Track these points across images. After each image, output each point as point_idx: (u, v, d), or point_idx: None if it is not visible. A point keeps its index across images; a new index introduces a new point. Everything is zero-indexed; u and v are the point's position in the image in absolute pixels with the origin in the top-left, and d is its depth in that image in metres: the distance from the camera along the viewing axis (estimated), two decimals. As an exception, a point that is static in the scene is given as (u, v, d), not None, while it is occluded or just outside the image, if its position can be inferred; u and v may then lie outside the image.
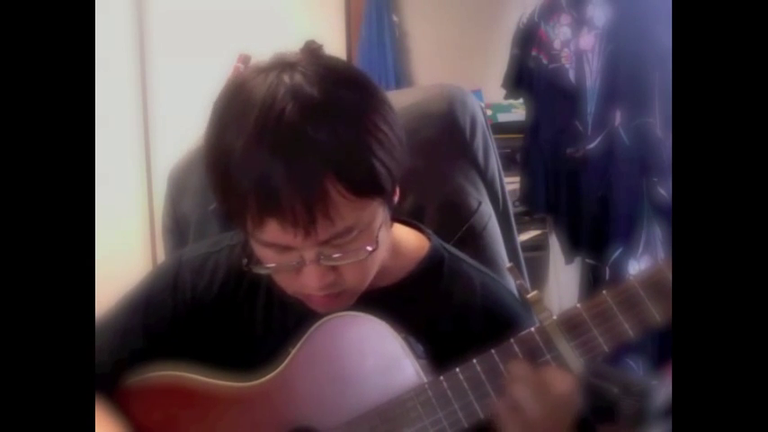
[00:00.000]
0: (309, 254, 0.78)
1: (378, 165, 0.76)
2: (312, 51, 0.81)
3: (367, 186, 0.76)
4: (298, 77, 0.75)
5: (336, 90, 0.76)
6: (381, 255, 0.85)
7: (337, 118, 0.74)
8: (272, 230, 0.76)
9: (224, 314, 0.94)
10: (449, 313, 0.91)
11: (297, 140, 0.73)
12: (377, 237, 0.81)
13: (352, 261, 0.80)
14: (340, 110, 0.75)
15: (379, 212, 0.81)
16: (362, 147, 0.75)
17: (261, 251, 0.81)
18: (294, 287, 0.83)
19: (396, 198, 0.85)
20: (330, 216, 0.74)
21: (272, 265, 0.81)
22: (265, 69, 0.77)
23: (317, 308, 0.85)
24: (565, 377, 0.75)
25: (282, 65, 0.77)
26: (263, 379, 0.86)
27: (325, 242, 0.77)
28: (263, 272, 0.83)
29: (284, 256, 0.80)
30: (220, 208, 0.81)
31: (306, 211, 0.74)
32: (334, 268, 0.80)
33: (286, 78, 0.75)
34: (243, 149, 0.74)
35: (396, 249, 0.92)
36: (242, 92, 0.77)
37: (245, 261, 0.84)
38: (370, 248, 0.80)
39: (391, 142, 0.78)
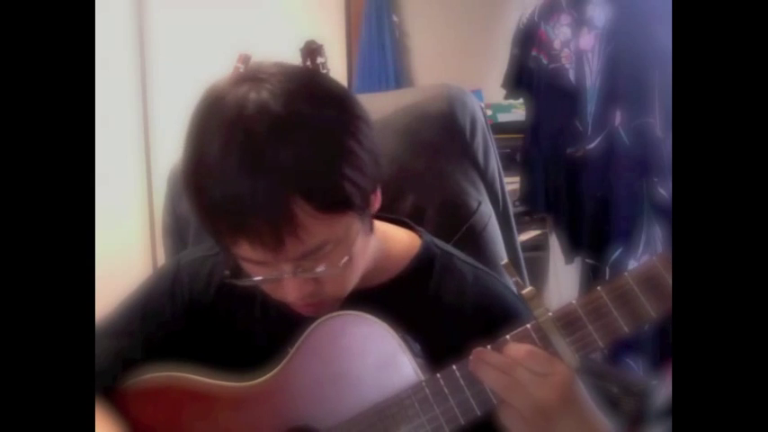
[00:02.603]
0: (286, 268, 0.78)
1: (346, 183, 0.75)
2: (283, 65, 0.80)
3: (335, 204, 0.76)
4: (264, 94, 0.74)
5: (304, 108, 0.75)
6: (362, 263, 0.85)
7: (303, 137, 0.74)
8: (244, 248, 0.76)
9: (221, 316, 0.94)
10: (442, 309, 0.91)
11: (262, 159, 0.72)
12: (351, 248, 0.81)
13: (330, 273, 0.80)
14: (306, 129, 0.74)
15: (355, 223, 0.81)
16: (329, 166, 0.75)
17: (243, 264, 0.82)
18: (277, 295, 0.84)
19: (375, 206, 0.85)
20: (298, 236, 0.74)
21: (254, 278, 0.82)
22: (237, 83, 0.77)
23: (301, 313, 0.85)
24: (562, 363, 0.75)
25: (253, 79, 0.76)
26: (262, 379, 0.86)
27: (300, 258, 0.77)
28: (244, 284, 0.83)
29: (263, 270, 0.80)
30: (198, 224, 0.81)
31: (272, 233, 0.74)
32: (314, 279, 0.80)
33: (253, 95, 0.74)
34: (212, 165, 0.74)
35: (387, 248, 0.92)
36: (213, 105, 0.76)
37: (227, 273, 0.85)
38: (344, 260, 0.80)
39: (361, 159, 0.77)
